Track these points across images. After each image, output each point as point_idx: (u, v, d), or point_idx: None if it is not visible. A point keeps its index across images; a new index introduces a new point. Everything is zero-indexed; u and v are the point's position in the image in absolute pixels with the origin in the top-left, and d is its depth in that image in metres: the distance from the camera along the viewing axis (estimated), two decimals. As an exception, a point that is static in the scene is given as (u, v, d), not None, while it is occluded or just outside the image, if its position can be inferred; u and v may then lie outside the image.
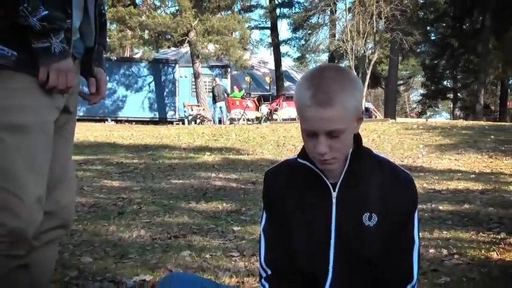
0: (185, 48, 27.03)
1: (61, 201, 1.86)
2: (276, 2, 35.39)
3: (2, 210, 1.63)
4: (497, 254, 3.56)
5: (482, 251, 3.63)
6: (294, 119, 20.84)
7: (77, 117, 1.96)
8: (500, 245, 3.80)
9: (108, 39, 1.97)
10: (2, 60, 1.60)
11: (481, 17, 31.43)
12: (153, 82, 27.46)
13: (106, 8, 1.98)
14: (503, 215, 4.94)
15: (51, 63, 1.62)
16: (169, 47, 28.42)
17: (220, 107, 23.22)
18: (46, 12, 1.57)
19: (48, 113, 1.71)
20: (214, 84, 23.72)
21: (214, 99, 23.27)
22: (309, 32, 36.29)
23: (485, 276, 3.08)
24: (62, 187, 1.87)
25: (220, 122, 22.64)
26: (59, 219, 1.86)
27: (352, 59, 27.75)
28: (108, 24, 2.06)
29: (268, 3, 35.59)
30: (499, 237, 4.10)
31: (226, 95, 23.54)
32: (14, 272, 1.68)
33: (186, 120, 24.16)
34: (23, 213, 1.64)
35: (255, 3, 36.07)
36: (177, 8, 25.93)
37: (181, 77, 27.39)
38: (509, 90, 35.08)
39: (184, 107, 25.25)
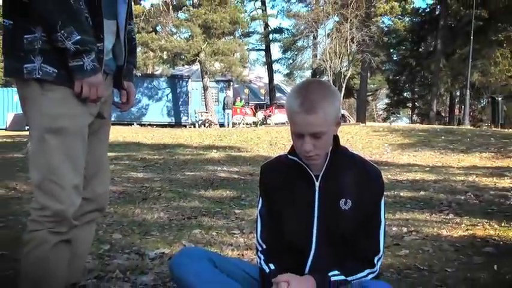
0: (196, 66, 27.07)
1: (97, 190, 1.86)
2: (269, 29, 35.39)
3: (46, 196, 1.64)
4: (446, 231, 3.58)
5: (435, 229, 3.64)
6: (283, 123, 20.83)
7: (109, 122, 1.96)
8: (449, 224, 3.82)
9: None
10: (45, 76, 1.61)
11: (434, 42, 31.49)
12: (170, 93, 27.42)
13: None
14: (451, 200, 4.94)
15: (84, 78, 1.62)
16: (183, 65, 28.48)
17: (228, 113, 23.50)
18: (79, 37, 1.57)
19: (83, 119, 1.71)
20: (225, 96, 24.13)
21: (224, 107, 23.57)
22: (295, 53, 36.22)
23: (437, 248, 3.10)
24: (98, 179, 1.87)
25: (228, 125, 22.71)
26: (96, 204, 1.87)
27: (330, 75, 27.78)
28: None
29: (263, 30, 35.59)
30: (448, 217, 4.12)
31: (233, 104, 23.80)
32: (59, 245, 1.68)
33: (196, 124, 24.10)
34: (63, 198, 1.65)
35: (252, 30, 36.03)
36: (189, 33, 25.96)
37: (192, 89, 27.35)
38: (455, 100, 35.11)
39: (195, 113, 25.22)
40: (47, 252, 1.66)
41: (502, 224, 3.75)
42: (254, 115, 25.07)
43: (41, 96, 1.62)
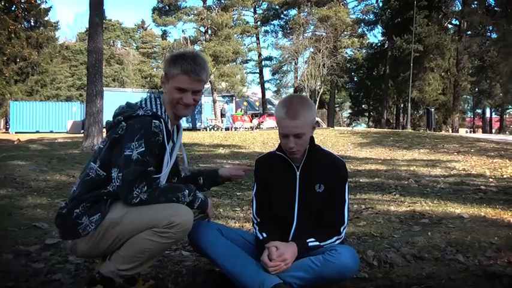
0: (207, 85, 26.93)
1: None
2: (262, 57, 35.34)
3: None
4: (394, 207, 3.56)
5: (385, 206, 3.62)
6: (273, 128, 20.80)
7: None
8: (396, 202, 3.81)
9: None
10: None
11: (383, 68, 31.56)
12: (189, 106, 27.35)
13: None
14: (397, 184, 4.94)
15: (203, 207, 1.73)
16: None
17: (224, 120, 24.31)
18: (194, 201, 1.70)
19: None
20: (221, 107, 24.78)
21: (221, 115, 24.76)
22: (281, 75, 36.16)
23: (387, 220, 3.08)
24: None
25: (225, 129, 22.91)
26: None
27: (307, 91, 27.80)
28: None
29: (257, 58, 35.54)
30: (395, 197, 4.11)
31: (230, 114, 24.17)
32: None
33: (208, 128, 24.06)
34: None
35: (249, 58, 35.91)
36: (203, 61, 26.04)
37: (205, 102, 27.26)
38: (400, 110, 35.12)
39: (207, 120, 25.15)
40: None
41: (434, 202, 3.75)
42: (251, 121, 24.97)
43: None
